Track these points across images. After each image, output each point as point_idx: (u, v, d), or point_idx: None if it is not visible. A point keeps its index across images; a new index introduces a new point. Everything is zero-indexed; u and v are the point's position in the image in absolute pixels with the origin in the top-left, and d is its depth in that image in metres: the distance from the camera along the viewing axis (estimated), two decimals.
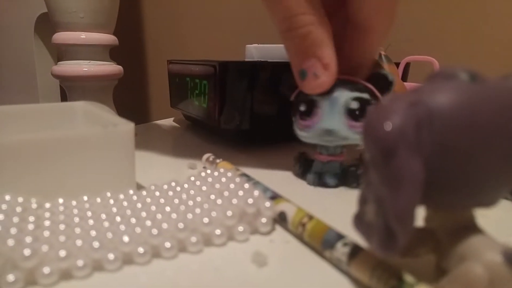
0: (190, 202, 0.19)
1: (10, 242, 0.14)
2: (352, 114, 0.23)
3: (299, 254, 0.17)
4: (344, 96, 0.23)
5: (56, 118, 0.27)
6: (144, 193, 0.20)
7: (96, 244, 0.15)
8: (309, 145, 0.25)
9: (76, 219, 0.17)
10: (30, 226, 0.16)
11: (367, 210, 0.13)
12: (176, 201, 0.19)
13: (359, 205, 0.14)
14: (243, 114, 0.32)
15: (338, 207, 0.22)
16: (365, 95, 0.23)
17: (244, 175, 0.24)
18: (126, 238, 0.16)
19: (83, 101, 0.28)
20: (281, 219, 0.19)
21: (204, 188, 0.20)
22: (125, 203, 0.19)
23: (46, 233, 0.16)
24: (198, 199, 0.19)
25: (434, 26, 0.48)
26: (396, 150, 0.11)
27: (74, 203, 0.18)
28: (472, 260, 0.12)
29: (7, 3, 0.65)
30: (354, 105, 0.23)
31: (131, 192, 0.20)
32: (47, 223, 0.16)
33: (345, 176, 0.25)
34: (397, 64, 0.35)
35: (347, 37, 0.24)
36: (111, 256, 0.15)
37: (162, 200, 0.19)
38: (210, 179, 0.21)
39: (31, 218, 0.17)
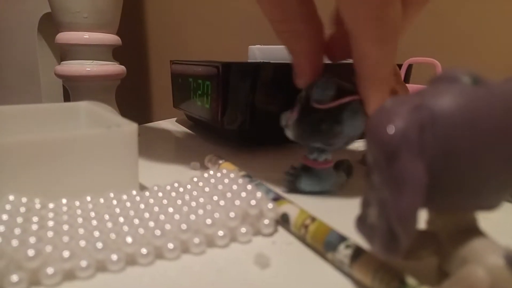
0: (193, 203, 0.19)
1: (14, 242, 0.15)
2: None
3: (302, 256, 0.17)
4: None
5: (59, 118, 0.27)
6: (147, 194, 0.20)
7: (99, 245, 0.15)
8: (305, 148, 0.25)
9: (80, 220, 0.17)
10: (34, 227, 0.16)
11: (370, 212, 0.13)
12: (179, 202, 0.19)
13: (361, 207, 0.14)
14: (246, 115, 0.32)
15: (340, 209, 0.22)
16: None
17: (246, 176, 0.24)
18: (129, 239, 0.16)
19: (86, 101, 0.28)
20: (283, 220, 0.19)
21: (207, 189, 0.21)
22: (128, 204, 0.19)
23: (50, 234, 0.16)
24: (201, 200, 0.19)
25: (436, 28, 0.48)
26: (399, 153, 0.11)
27: (77, 203, 0.19)
28: (474, 263, 0.12)
29: (11, 3, 0.66)
30: None
31: (134, 192, 0.20)
32: (50, 223, 0.17)
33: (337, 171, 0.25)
34: (400, 66, 0.35)
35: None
36: (114, 257, 0.15)
37: (165, 201, 0.19)
38: (213, 180, 0.22)
39: (35, 219, 0.17)
